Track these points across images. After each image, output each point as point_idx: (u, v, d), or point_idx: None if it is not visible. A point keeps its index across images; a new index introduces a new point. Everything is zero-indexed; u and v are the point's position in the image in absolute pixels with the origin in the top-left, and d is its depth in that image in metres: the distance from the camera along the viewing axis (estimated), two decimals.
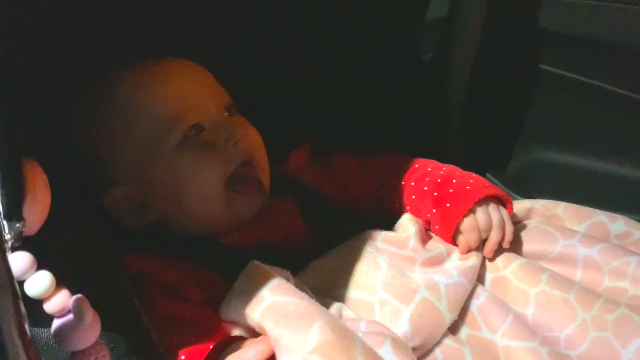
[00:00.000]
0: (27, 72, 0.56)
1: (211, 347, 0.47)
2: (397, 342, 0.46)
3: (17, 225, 0.33)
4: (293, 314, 0.43)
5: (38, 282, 0.32)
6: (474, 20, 0.79)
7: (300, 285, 0.51)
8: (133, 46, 0.65)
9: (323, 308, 0.45)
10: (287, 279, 0.49)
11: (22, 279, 0.32)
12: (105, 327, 0.38)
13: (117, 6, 0.64)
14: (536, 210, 0.66)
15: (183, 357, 0.47)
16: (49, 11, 0.58)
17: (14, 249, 0.33)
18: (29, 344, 0.28)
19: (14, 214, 0.33)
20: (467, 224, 0.57)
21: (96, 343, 0.36)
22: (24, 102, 0.54)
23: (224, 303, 0.47)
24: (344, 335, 0.42)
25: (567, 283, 0.55)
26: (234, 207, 0.60)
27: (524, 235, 0.62)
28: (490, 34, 0.80)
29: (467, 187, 0.58)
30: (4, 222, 0.33)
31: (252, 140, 0.62)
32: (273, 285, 0.45)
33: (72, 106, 0.61)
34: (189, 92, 0.60)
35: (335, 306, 0.51)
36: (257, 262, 0.48)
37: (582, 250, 0.58)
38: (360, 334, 0.45)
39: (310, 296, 0.51)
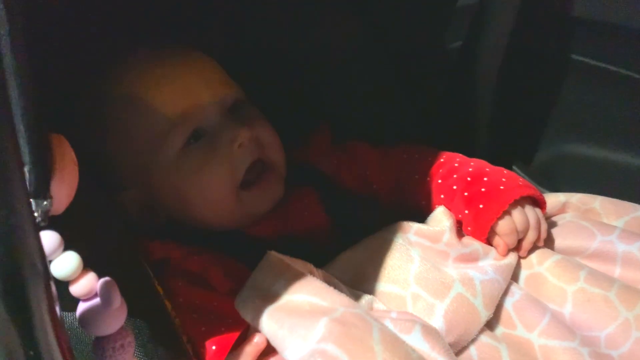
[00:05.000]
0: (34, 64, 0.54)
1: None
2: (427, 328, 0.44)
3: (45, 203, 0.31)
4: (306, 312, 0.41)
5: (65, 263, 0.31)
6: (506, 7, 0.76)
7: (328, 278, 0.50)
8: (140, 31, 0.62)
9: (345, 301, 0.43)
10: (311, 272, 0.47)
11: (49, 259, 0.31)
12: (129, 313, 0.36)
13: None
14: (571, 204, 0.63)
15: (214, 347, 0.45)
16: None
17: (40, 228, 0.31)
18: (59, 326, 0.27)
19: (41, 191, 0.31)
20: (504, 226, 0.54)
21: (122, 328, 0.35)
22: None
23: (239, 296, 0.45)
24: (358, 324, 0.40)
25: (607, 280, 0.53)
26: (246, 205, 0.57)
27: (559, 230, 0.59)
28: (522, 22, 0.78)
29: (501, 187, 0.55)
30: (31, 200, 0.31)
31: (261, 137, 0.59)
32: (290, 281, 0.43)
33: (76, 105, 0.59)
34: (189, 94, 0.56)
35: (367, 298, 0.50)
36: (275, 253, 0.46)
37: (621, 247, 0.56)
38: (388, 321, 0.43)
39: (341, 289, 0.49)
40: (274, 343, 0.41)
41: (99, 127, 0.57)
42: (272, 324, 0.41)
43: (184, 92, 0.56)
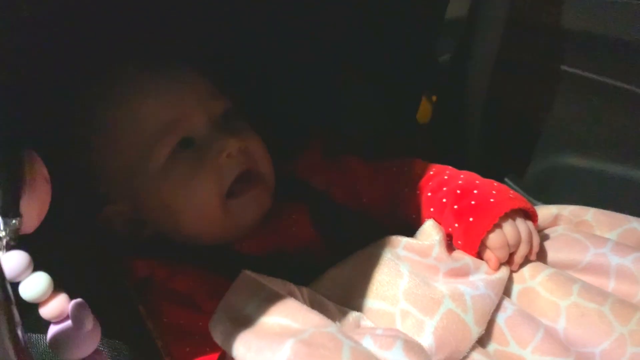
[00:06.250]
0: (23, 70, 0.53)
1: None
2: (409, 344, 0.42)
3: (14, 221, 0.30)
4: (275, 335, 0.40)
5: (34, 285, 0.30)
6: (495, 19, 0.76)
7: (314, 296, 0.48)
8: (131, 44, 0.61)
9: (316, 321, 0.41)
10: (291, 292, 0.46)
11: (17, 280, 0.29)
12: (108, 334, 0.35)
13: (116, 4, 0.61)
14: (563, 216, 0.62)
15: None
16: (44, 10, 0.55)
17: (9, 248, 0.30)
18: (22, 352, 0.25)
19: (10, 209, 0.30)
20: (495, 240, 0.53)
21: (96, 352, 0.34)
22: (22, 97, 0.51)
23: (213, 319, 0.43)
24: (327, 344, 0.39)
25: (601, 295, 0.52)
26: (233, 215, 0.57)
27: (551, 243, 0.58)
28: (512, 33, 0.78)
29: (491, 200, 0.54)
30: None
31: (250, 149, 0.58)
32: (262, 302, 0.42)
33: (62, 117, 0.58)
34: (177, 103, 0.56)
35: (354, 316, 0.48)
36: (249, 273, 0.45)
37: (614, 260, 0.54)
38: (369, 337, 0.42)
39: (327, 307, 0.48)
40: None
41: (86, 138, 0.56)
42: (240, 347, 0.40)
43: (173, 101, 0.56)
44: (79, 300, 0.31)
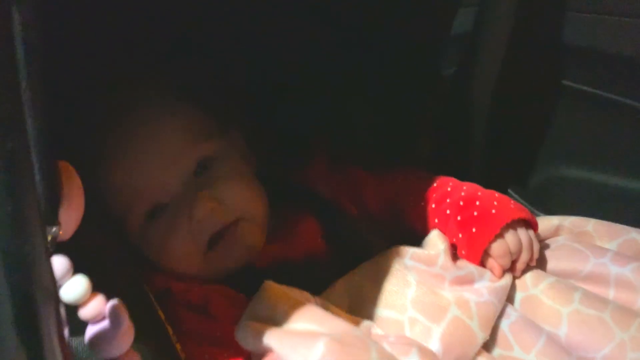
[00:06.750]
0: None
1: None
2: (424, 351, 0.44)
3: (54, 229, 0.32)
4: (307, 334, 0.42)
5: (75, 287, 0.31)
6: (499, 34, 0.78)
7: (326, 305, 0.50)
8: (129, 51, 0.61)
9: (343, 325, 0.43)
10: (308, 301, 0.47)
11: (59, 284, 0.31)
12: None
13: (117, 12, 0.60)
14: (565, 227, 0.64)
15: None
16: None
17: (51, 254, 0.32)
18: (67, 351, 0.27)
19: (50, 218, 0.32)
20: (497, 249, 0.55)
21: (129, 351, 0.36)
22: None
23: (239, 327, 0.45)
24: (357, 344, 0.41)
25: (601, 302, 0.54)
26: (217, 265, 0.57)
27: (553, 253, 0.60)
28: (514, 48, 0.80)
29: (493, 211, 0.56)
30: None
31: (228, 199, 0.57)
32: (288, 309, 0.44)
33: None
34: (145, 170, 0.55)
35: (365, 324, 0.50)
36: (272, 283, 0.47)
37: (614, 269, 0.56)
38: (386, 344, 0.44)
39: (338, 315, 0.49)
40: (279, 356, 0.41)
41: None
42: (273, 342, 0.41)
43: (140, 169, 0.56)
44: (115, 301, 0.33)
